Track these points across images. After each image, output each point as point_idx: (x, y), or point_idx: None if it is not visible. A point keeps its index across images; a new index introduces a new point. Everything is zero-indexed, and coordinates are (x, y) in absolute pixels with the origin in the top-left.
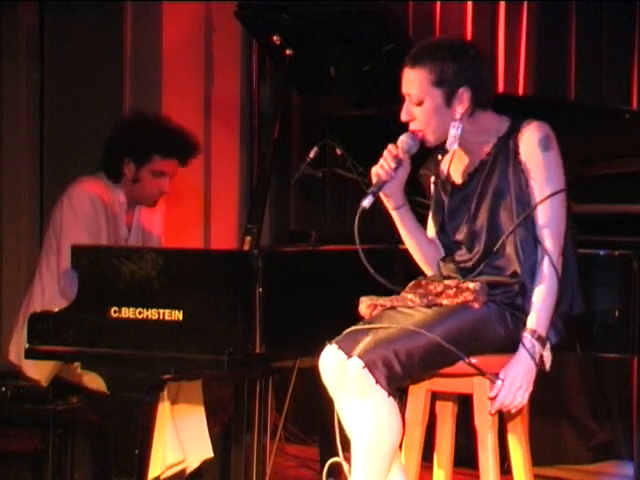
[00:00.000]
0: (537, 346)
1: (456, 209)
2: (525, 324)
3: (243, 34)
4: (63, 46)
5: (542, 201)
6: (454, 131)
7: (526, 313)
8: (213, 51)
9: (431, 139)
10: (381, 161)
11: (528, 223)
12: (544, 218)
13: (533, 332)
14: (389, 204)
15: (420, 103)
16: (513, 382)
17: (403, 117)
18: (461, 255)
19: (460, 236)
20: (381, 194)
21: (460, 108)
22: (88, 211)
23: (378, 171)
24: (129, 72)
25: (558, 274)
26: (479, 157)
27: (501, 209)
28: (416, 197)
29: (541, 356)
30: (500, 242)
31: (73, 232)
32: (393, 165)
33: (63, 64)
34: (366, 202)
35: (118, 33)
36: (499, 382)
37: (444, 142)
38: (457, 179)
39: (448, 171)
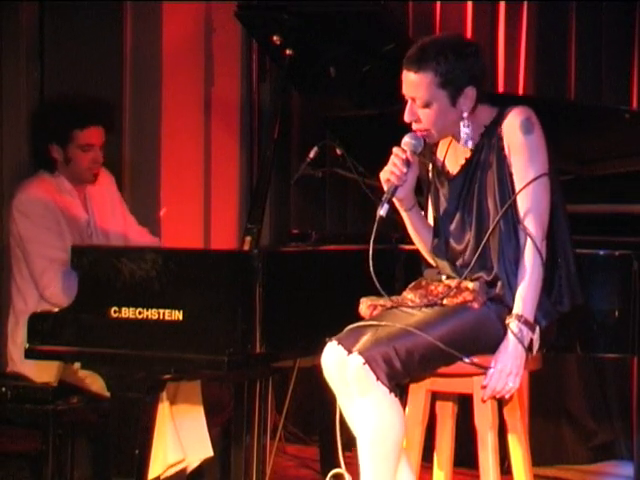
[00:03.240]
0: (525, 330)
1: (450, 199)
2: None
3: (243, 34)
4: (63, 46)
5: (524, 187)
6: (467, 130)
7: (507, 304)
8: (213, 51)
9: (436, 138)
10: (390, 166)
11: (509, 211)
12: (526, 202)
13: (519, 317)
14: (401, 207)
15: (427, 106)
16: (503, 368)
17: (407, 118)
18: (454, 244)
19: (452, 226)
20: (393, 198)
21: (466, 107)
22: (40, 211)
23: (389, 177)
24: (129, 72)
25: (542, 257)
26: (470, 147)
27: (488, 197)
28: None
29: (531, 340)
30: (489, 232)
31: (34, 236)
32: (405, 170)
33: (63, 64)
34: (383, 211)
35: (118, 33)
36: (491, 370)
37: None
38: (451, 169)
39: (443, 161)
